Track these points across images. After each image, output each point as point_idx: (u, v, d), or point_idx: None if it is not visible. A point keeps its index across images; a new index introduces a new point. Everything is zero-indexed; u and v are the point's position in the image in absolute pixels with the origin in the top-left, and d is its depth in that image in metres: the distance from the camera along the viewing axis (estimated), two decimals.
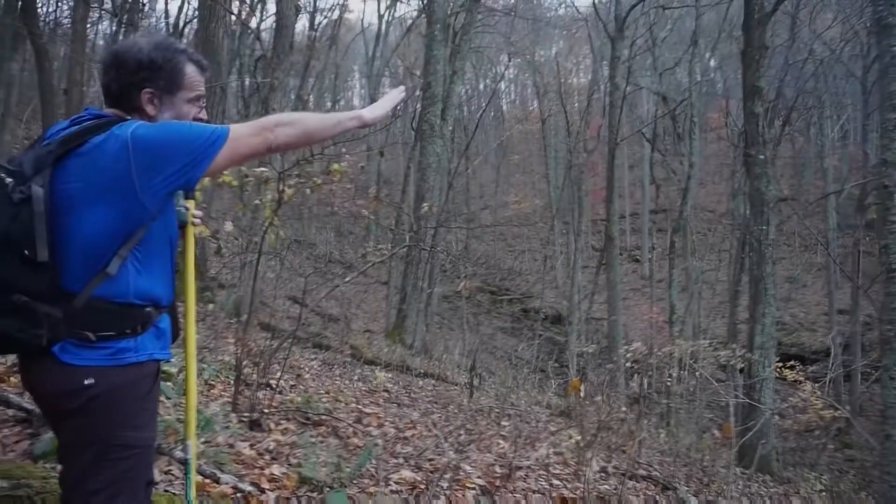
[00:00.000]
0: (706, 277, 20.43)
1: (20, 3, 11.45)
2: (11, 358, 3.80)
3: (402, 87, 1.91)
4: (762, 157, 9.27)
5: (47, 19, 17.48)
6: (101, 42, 25.22)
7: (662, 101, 19.32)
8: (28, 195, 1.38)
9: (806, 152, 28.25)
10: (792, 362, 11.35)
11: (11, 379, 3.54)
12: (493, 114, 36.70)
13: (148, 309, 1.53)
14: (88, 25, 11.43)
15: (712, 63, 25.25)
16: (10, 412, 3.18)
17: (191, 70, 1.66)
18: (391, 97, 1.89)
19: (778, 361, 9.73)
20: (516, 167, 39.82)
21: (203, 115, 1.72)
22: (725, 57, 23.20)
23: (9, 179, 1.41)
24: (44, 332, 1.41)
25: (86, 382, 1.44)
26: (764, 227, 9.04)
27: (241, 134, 1.54)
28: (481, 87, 36.44)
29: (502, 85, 39.76)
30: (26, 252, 1.37)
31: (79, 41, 10.62)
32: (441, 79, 12.88)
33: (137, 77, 1.58)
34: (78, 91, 11.02)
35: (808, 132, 25.74)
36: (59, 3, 18.98)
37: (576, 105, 34.81)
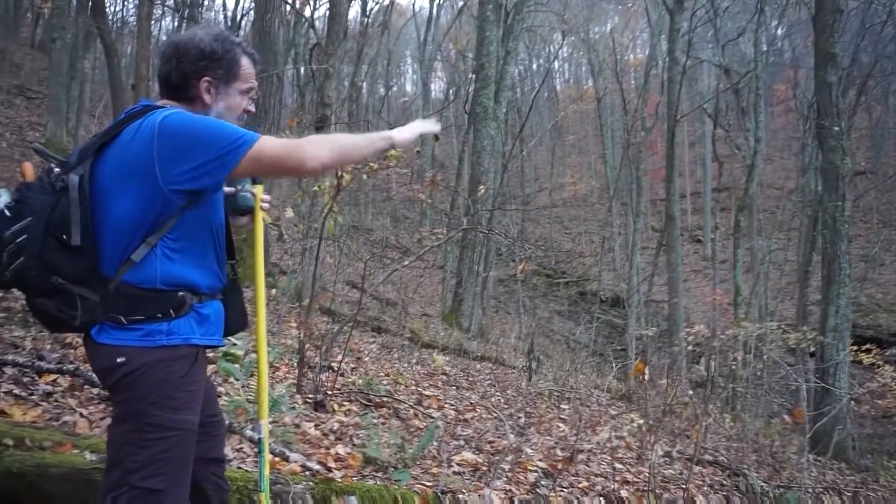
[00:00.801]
0: (773, 257, 19.58)
1: (90, 3, 11.96)
2: None
3: (436, 121, 1.92)
4: (836, 128, 8.74)
5: (115, 18, 18.24)
6: (164, 38, 26.19)
7: (725, 74, 18.43)
8: (66, 184, 1.49)
9: (884, 122, 26.52)
10: (868, 345, 10.76)
11: None
12: (546, 94, 36.04)
13: (181, 294, 1.56)
14: (152, 22, 11.85)
15: (779, 31, 23.88)
16: (95, 391, 3.37)
17: (246, 62, 1.72)
18: (423, 125, 1.90)
19: (853, 344, 9.26)
20: (572, 148, 39.13)
21: (251, 107, 1.77)
22: (794, 24, 21.91)
23: (57, 169, 1.53)
24: (78, 313, 1.50)
25: (118, 361, 1.51)
26: (839, 203, 8.56)
27: (269, 145, 1.54)
28: (534, 67, 35.88)
29: (556, 64, 39.03)
30: (64, 237, 1.47)
31: (144, 37, 11.02)
32: (494, 60, 12.71)
33: (198, 66, 1.63)
34: (144, 86, 11.46)
35: (885, 101, 24.12)
36: (126, 2, 19.77)
37: (632, 83, 33.80)
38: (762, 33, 18.53)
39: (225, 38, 1.69)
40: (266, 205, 1.84)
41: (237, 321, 1.79)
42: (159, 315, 1.53)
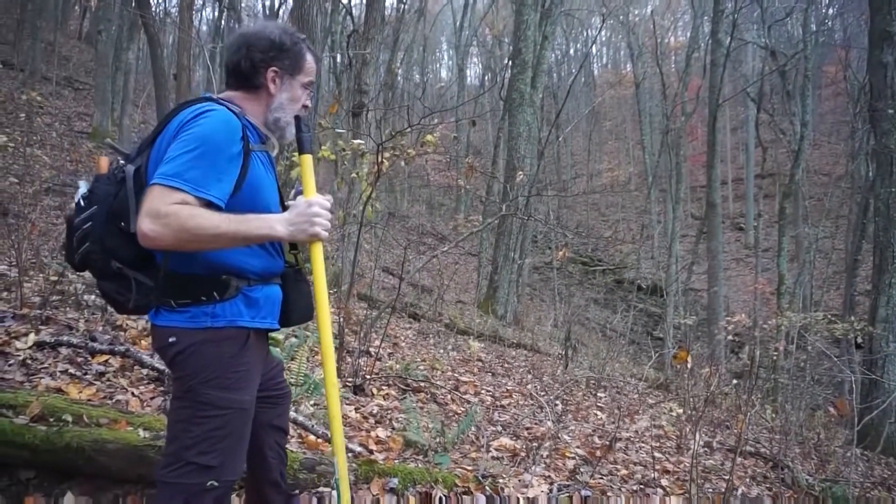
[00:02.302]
0: (820, 246, 18.98)
1: None
2: (142, 322, 4.18)
3: (328, 201, 1.69)
4: (891, 111, 8.37)
5: (158, 9, 18.61)
6: (204, 28, 26.65)
7: (771, 56, 17.80)
8: (125, 174, 1.59)
9: None
10: None
11: (143, 342, 3.89)
12: (584, 79, 35.46)
13: (224, 278, 1.60)
14: (194, 12, 12.05)
15: (830, 11, 22.94)
16: (145, 371, 3.49)
17: (310, 58, 1.80)
18: (313, 218, 1.61)
19: None
20: (609, 134, 38.51)
21: (310, 102, 1.82)
22: (847, 2, 21.02)
23: (121, 161, 1.66)
24: (132, 296, 1.61)
25: (170, 340, 1.60)
26: (893, 189, 8.21)
27: (151, 195, 1.46)
28: (571, 52, 35.29)
29: (594, 48, 38.33)
30: (122, 224, 1.56)
31: (186, 28, 11.24)
32: (531, 45, 12.55)
33: (267, 56, 1.70)
34: (186, 75, 11.72)
35: None
36: None
37: (672, 66, 32.99)
38: (812, 13, 17.82)
39: (293, 32, 1.77)
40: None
41: (301, 312, 1.82)
42: (203, 298, 1.59)
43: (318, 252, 1.68)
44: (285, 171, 5.53)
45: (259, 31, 1.73)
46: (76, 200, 1.62)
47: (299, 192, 1.83)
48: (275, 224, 1.57)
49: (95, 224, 1.56)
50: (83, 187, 1.62)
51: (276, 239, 1.61)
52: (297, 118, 1.74)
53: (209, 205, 1.51)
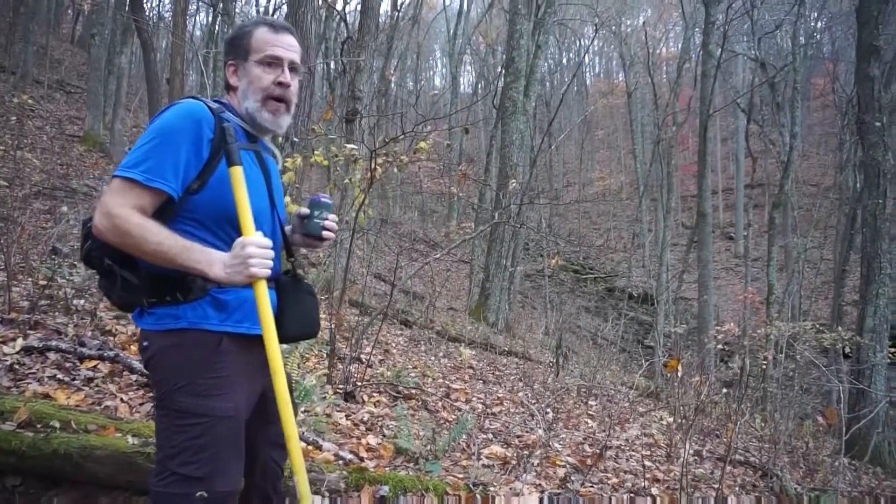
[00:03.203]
0: (809, 256, 19.15)
1: None
2: (131, 327, 4.15)
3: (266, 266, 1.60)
4: (878, 123, 8.50)
5: (151, 14, 18.58)
6: (197, 33, 26.63)
7: (761, 67, 18.01)
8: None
9: None
10: None
11: (132, 347, 3.86)
12: (576, 88, 35.68)
13: (189, 278, 1.54)
14: (188, 17, 12.05)
15: (819, 24, 23.25)
16: (134, 377, 3.47)
17: (260, 32, 1.67)
18: (251, 271, 1.54)
19: (891, 346, 9.01)
20: (601, 143, 38.72)
21: (284, 78, 1.66)
22: (835, 16, 21.30)
23: None
24: (115, 292, 1.62)
25: (144, 344, 1.60)
26: (879, 201, 8.33)
27: (112, 187, 1.50)
28: (564, 61, 35.53)
29: (587, 58, 38.58)
30: None
31: (179, 32, 11.22)
32: (524, 54, 12.63)
33: (226, 55, 1.73)
34: (179, 80, 11.69)
35: None
36: None
37: (664, 77, 33.25)
38: (801, 26, 18.04)
39: (246, 23, 1.73)
40: (330, 234, 1.81)
41: (298, 324, 1.70)
42: (168, 299, 1.55)
43: (261, 290, 1.56)
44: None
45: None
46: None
47: (314, 201, 1.80)
48: (213, 265, 1.51)
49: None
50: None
51: (210, 279, 1.53)
52: (222, 127, 1.58)
53: (167, 198, 1.52)
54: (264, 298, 1.57)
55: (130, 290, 1.59)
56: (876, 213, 8.39)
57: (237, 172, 1.54)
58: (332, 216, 1.81)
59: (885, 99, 9.40)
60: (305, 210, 1.81)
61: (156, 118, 1.58)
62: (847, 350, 8.89)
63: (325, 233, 1.79)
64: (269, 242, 1.57)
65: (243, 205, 1.55)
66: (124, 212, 1.46)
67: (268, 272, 1.56)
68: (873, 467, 7.26)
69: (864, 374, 8.32)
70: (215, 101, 1.66)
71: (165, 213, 1.55)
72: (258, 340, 1.58)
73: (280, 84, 1.66)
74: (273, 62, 1.66)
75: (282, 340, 1.61)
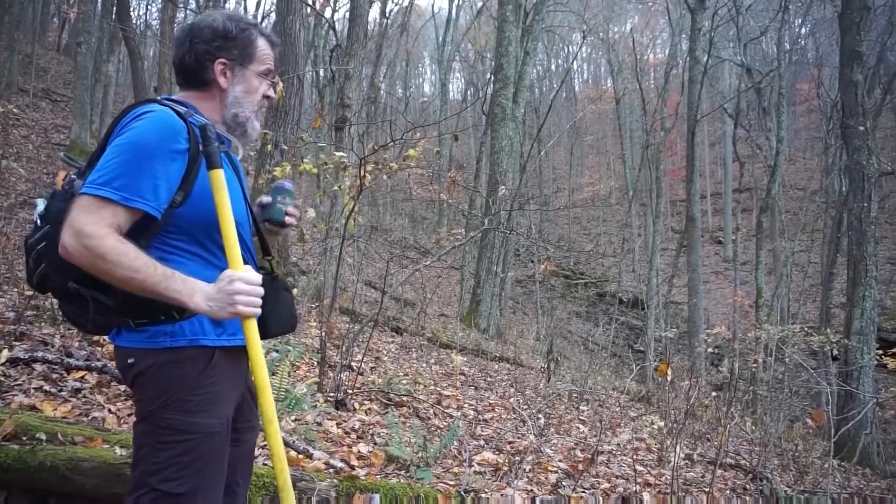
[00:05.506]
0: (796, 259, 19.32)
1: (115, 7, 12.16)
2: None
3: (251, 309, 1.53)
4: (862, 128, 8.61)
5: (138, 22, 18.51)
6: None
7: (747, 73, 18.21)
8: (73, 190, 1.46)
9: None
10: (894, 349, 10.57)
11: None
12: (565, 95, 35.91)
13: None
14: (175, 25, 12.02)
15: (803, 30, 23.55)
16: (122, 388, 3.43)
17: (262, 44, 1.64)
18: (237, 307, 1.45)
19: (878, 348, 9.11)
20: (590, 148, 38.94)
21: (272, 92, 1.68)
22: (819, 22, 21.59)
23: (73, 175, 1.52)
24: (90, 315, 1.48)
25: (129, 362, 1.50)
26: (864, 204, 8.43)
27: (79, 203, 1.39)
28: (553, 67, 35.75)
29: (575, 64, 38.86)
30: None
31: (167, 40, 11.19)
32: (513, 61, 12.70)
33: (212, 46, 1.57)
34: (167, 88, 11.67)
35: None
36: (149, 6, 20.07)
37: (652, 83, 33.53)
38: (785, 32, 18.29)
39: (240, 17, 1.63)
40: (292, 220, 1.78)
41: (280, 321, 1.67)
42: (162, 317, 1.48)
43: (251, 329, 1.49)
44: (267, 184, 5.51)
45: (201, 20, 1.60)
46: (34, 219, 1.51)
47: (277, 187, 1.74)
48: (194, 295, 1.41)
49: (48, 245, 1.44)
50: (40, 205, 1.52)
51: (189, 310, 1.44)
52: (202, 127, 1.48)
53: (144, 215, 1.42)
54: (253, 338, 1.49)
55: (107, 313, 1.48)
56: (861, 217, 8.49)
57: (218, 176, 1.46)
58: (296, 202, 1.78)
59: (868, 103, 9.55)
60: (267, 198, 1.76)
61: (123, 128, 1.46)
62: (835, 352, 8.98)
63: (287, 218, 1.75)
64: (258, 279, 1.47)
65: (225, 214, 1.46)
66: (99, 231, 1.35)
67: (257, 311, 1.46)
68: (862, 468, 7.32)
69: (851, 375, 8.40)
70: (177, 103, 1.55)
71: (147, 229, 1.45)
72: (243, 349, 1.54)
73: (267, 97, 1.67)
74: (268, 75, 1.66)
75: (264, 338, 1.57)
